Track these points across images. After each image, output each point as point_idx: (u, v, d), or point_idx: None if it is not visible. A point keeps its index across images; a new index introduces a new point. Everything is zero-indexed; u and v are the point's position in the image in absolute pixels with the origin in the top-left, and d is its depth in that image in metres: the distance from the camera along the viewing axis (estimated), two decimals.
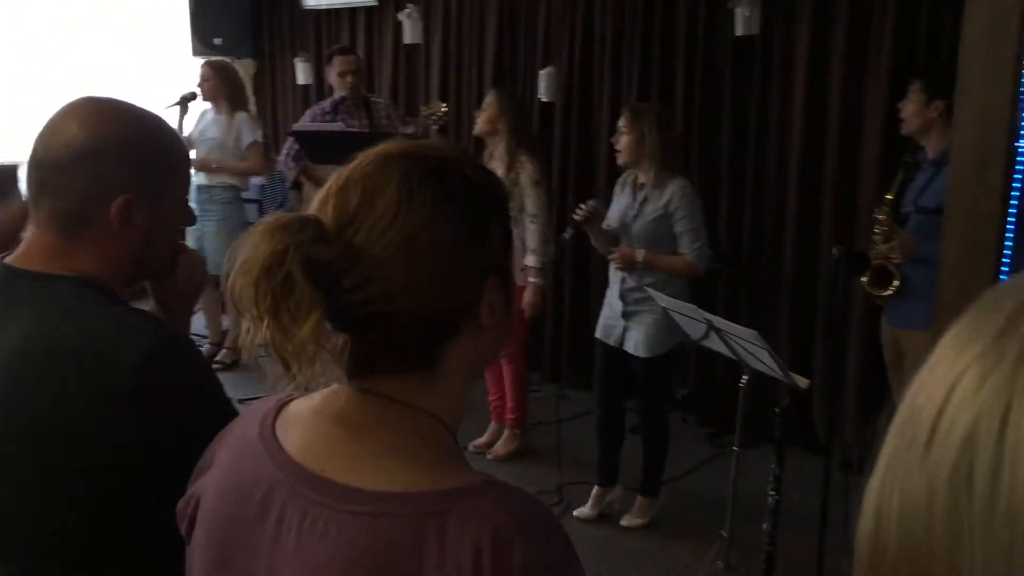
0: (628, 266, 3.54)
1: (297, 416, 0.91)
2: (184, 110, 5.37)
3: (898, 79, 3.88)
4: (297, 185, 5.16)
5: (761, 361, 2.61)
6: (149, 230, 1.24)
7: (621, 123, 3.56)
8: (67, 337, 1.16)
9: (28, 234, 1.24)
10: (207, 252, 5.28)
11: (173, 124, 5.15)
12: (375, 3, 6.08)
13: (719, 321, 2.71)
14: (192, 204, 5.14)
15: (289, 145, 4.97)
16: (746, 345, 2.62)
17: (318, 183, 4.53)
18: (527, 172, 4.05)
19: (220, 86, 5.28)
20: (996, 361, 0.44)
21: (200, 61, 6.59)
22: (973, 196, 1.94)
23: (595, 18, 5.00)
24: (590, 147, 5.11)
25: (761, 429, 3.89)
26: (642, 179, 3.57)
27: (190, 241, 5.29)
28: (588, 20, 5.03)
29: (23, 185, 1.32)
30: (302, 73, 6.68)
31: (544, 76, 5.15)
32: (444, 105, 4.63)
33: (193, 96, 5.36)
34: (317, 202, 0.87)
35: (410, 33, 5.84)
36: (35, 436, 1.15)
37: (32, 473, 1.15)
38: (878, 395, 3.89)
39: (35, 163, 1.22)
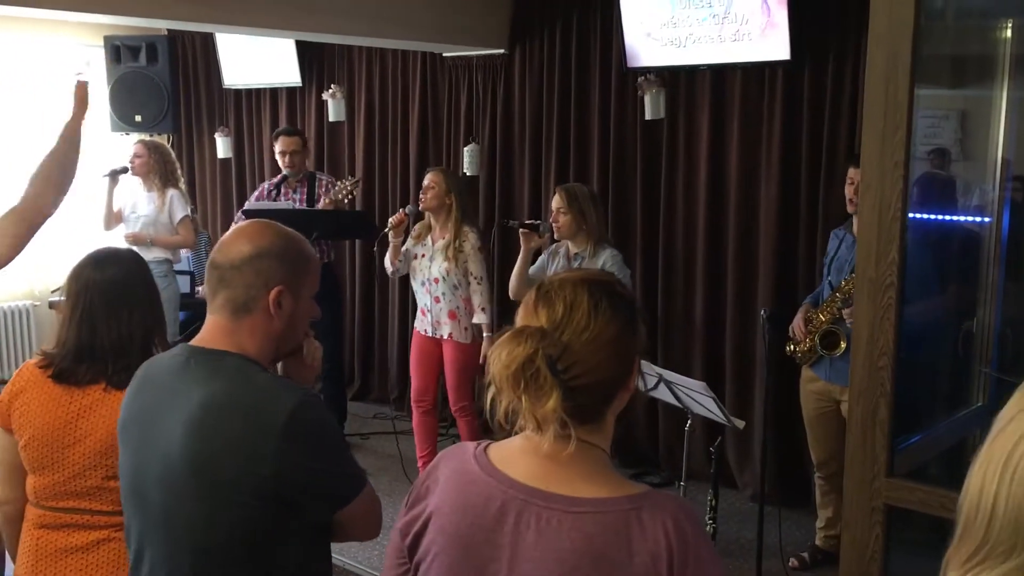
0: None
1: (510, 454, 1.32)
2: (114, 182, 5.55)
3: (786, 155, 4.50)
4: None
5: (705, 407, 3.05)
6: (292, 316, 1.67)
7: (556, 203, 4.05)
8: (234, 395, 1.57)
9: (206, 321, 1.68)
10: None
11: (102, 196, 5.38)
12: (299, 84, 6.41)
13: (669, 374, 3.15)
14: None
15: (238, 217, 5.27)
16: (692, 394, 3.06)
17: None
18: (470, 241, 4.49)
19: (153, 163, 5.49)
20: None
21: (119, 136, 6.78)
22: (876, 269, 2.42)
23: (514, 100, 5.48)
24: (512, 218, 5.54)
25: (677, 466, 4.33)
26: (575, 249, 4.06)
27: None
28: (507, 102, 5.51)
29: None
30: (222, 147, 6.92)
31: (467, 152, 5.59)
32: (353, 180, 5.17)
33: (125, 170, 5.55)
34: (527, 308, 1.29)
35: (333, 112, 6.19)
36: (209, 467, 1.54)
37: (204, 496, 1.55)
38: (782, 437, 4.40)
39: (214, 266, 1.65)
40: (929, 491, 2.24)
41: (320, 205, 5.13)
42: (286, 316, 1.65)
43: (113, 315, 2.14)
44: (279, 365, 1.79)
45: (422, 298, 4.60)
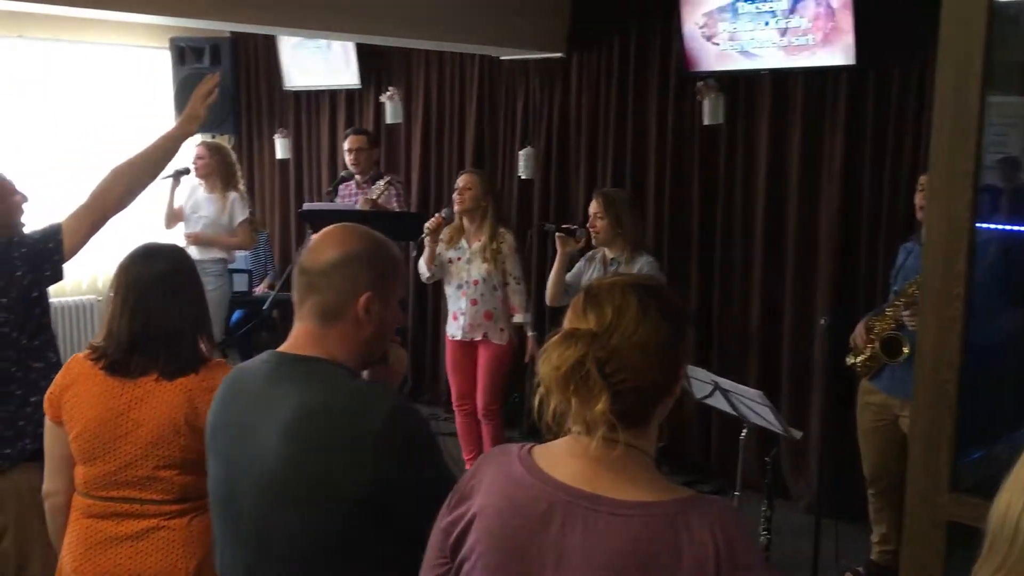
0: None
1: (555, 456, 1.32)
2: (176, 183, 5.66)
3: (849, 162, 4.42)
4: None
5: (761, 416, 3.01)
6: (380, 322, 1.64)
7: (594, 208, 4.05)
8: (329, 402, 1.56)
9: (294, 327, 1.66)
10: None
11: (164, 195, 5.50)
12: (358, 86, 6.47)
13: (725, 382, 3.12)
14: None
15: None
16: (748, 403, 3.02)
17: None
18: (507, 242, 4.53)
19: (214, 165, 5.59)
20: None
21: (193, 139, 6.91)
22: (942, 280, 2.36)
23: (571, 103, 5.47)
24: (566, 222, 5.53)
25: (729, 476, 4.28)
26: (611, 254, 4.08)
27: None
28: (564, 105, 5.50)
29: None
30: (281, 148, 7.02)
31: (523, 155, 5.59)
32: (386, 180, 5.26)
33: (187, 171, 5.66)
34: (576, 311, 1.29)
35: (391, 114, 6.24)
36: (305, 474, 1.54)
37: (300, 503, 1.54)
38: (837, 447, 4.33)
39: (303, 271, 1.64)
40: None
41: (358, 206, 5.18)
42: (375, 323, 1.63)
43: (164, 308, 2.18)
44: (363, 372, 1.77)
45: (456, 302, 4.61)
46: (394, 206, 5.21)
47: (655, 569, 1.21)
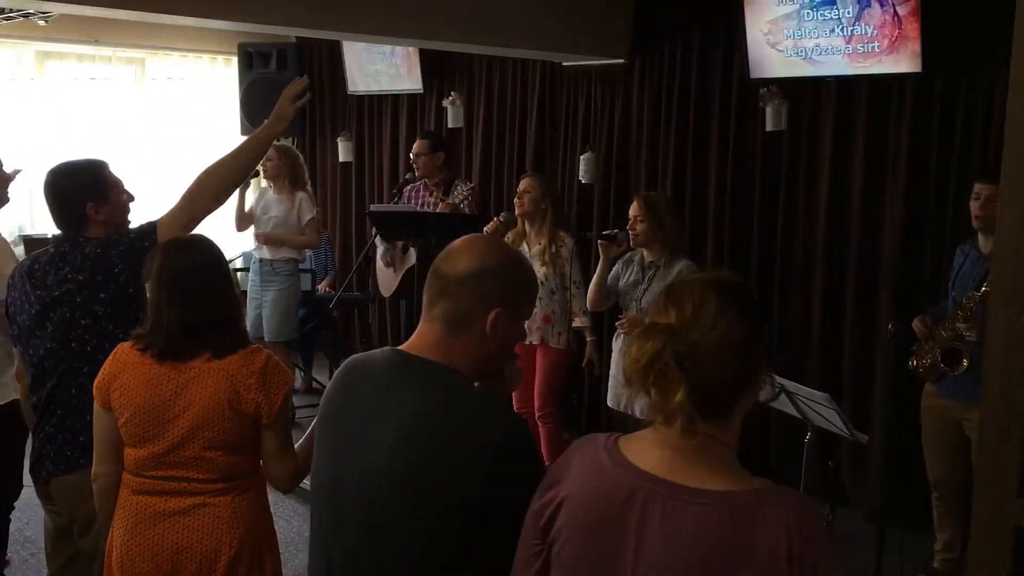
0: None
1: (639, 446, 1.39)
2: (247, 184, 5.80)
3: (914, 169, 4.41)
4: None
5: (827, 420, 3.04)
6: (505, 338, 1.68)
7: (634, 211, 4.09)
8: (449, 411, 1.59)
9: (419, 328, 1.68)
10: (264, 320, 5.68)
11: (234, 197, 5.66)
12: (420, 90, 6.59)
13: (791, 385, 3.15)
14: (253, 276, 5.58)
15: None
16: (814, 406, 3.05)
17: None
18: (567, 246, 4.58)
19: (283, 167, 5.73)
20: None
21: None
22: (1013, 287, 2.37)
23: (632, 109, 5.51)
24: (625, 227, 5.56)
25: (791, 480, 4.28)
26: (649, 257, 4.12)
27: (249, 309, 5.69)
28: (626, 111, 5.54)
29: None
30: (343, 151, 7.17)
31: (583, 160, 5.64)
32: (470, 186, 5.37)
33: (256, 173, 5.79)
34: (657, 307, 1.36)
35: (453, 118, 6.34)
36: (416, 479, 1.56)
37: (406, 508, 1.57)
38: (900, 454, 4.31)
39: (438, 275, 1.66)
40: None
41: (439, 209, 5.27)
42: (499, 339, 1.65)
43: (210, 294, 2.34)
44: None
45: None
46: (464, 210, 5.29)
47: (731, 556, 1.26)
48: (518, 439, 1.58)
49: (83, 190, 2.73)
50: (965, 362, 3.55)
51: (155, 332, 2.32)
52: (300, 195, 5.72)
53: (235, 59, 7.22)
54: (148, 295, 2.42)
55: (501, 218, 4.71)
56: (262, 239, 5.66)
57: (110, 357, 2.38)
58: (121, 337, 2.44)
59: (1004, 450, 2.39)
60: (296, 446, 2.37)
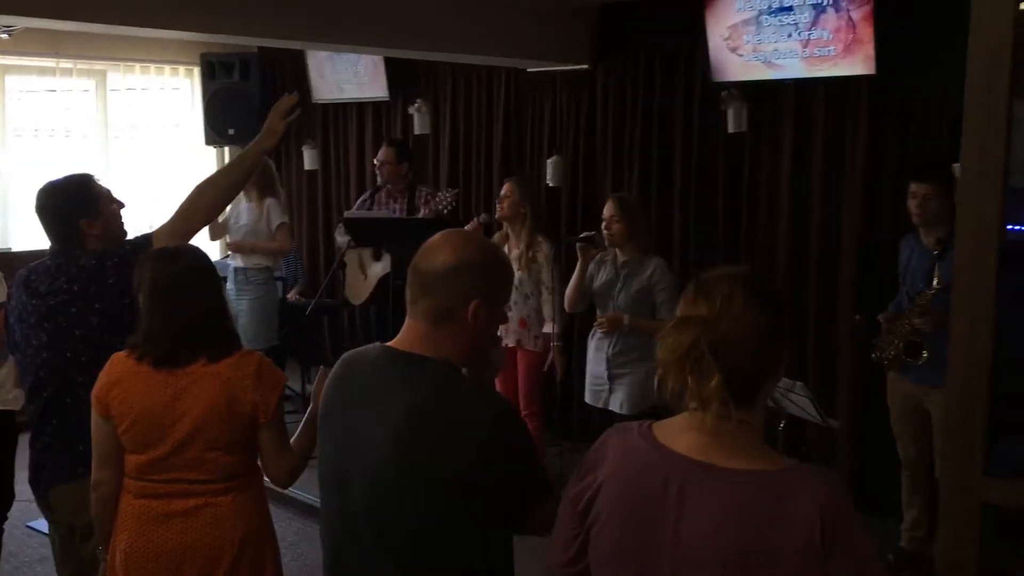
0: (614, 329, 4.14)
1: (673, 431, 1.49)
2: None
3: (870, 166, 4.59)
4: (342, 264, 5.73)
5: (801, 408, 3.18)
6: (486, 326, 1.78)
7: (609, 211, 4.21)
8: (440, 404, 1.70)
9: (405, 324, 1.78)
10: (241, 328, 5.69)
11: None
12: (387, 98, 6.65)
13: None
14: (229, 285, 5.59)
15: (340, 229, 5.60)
16: (787, 394, 3.20)
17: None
18: (543, 251, 4.66)
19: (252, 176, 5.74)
20: None
21: (211, 149, 7.12)
22: (973, 276, 2.52)
23: (597, 113, 5.63)
24: (594, 228, 5.68)
25: None
26: (623, 257, 4.22)
27: None
28: (591, 115, 5.66)
29: None
30: (309, 159, 7.20)
31: (551, 164, 5.76)
32: (453, 192, 5.41)
33: None
34: (687, 301, 1.46)
35: (419, 125, 6.42)
36: (413, 470, 1.68)
37: (405, 496, 1.68)
38: (865, 441, 4.48)
39: (417, 272, 1.76)
40: None
41: (422, 215, 5.34)
42: (481, 326, 1.75)
43: (199, 300, 2.41)
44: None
45: None
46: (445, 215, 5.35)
47: (766, 530, 1.36)
48: (508, 415, 1.70)
49: (74, 207, 2.79)
50: (925, 353, 3.79)
51: (149, 340, 2.39)
52: (269, 201, 5.72)
53: (197, 69, 7.22)
54: (140, 305, 2.47)
55: (482, 219, 4.79)
56: (233, 247, 5.69)
57: (107, 366, 2.43)
58: (117, 347, 2.49)
59: (968, 431, 2.55)
60: (291, 441, 2.47)
